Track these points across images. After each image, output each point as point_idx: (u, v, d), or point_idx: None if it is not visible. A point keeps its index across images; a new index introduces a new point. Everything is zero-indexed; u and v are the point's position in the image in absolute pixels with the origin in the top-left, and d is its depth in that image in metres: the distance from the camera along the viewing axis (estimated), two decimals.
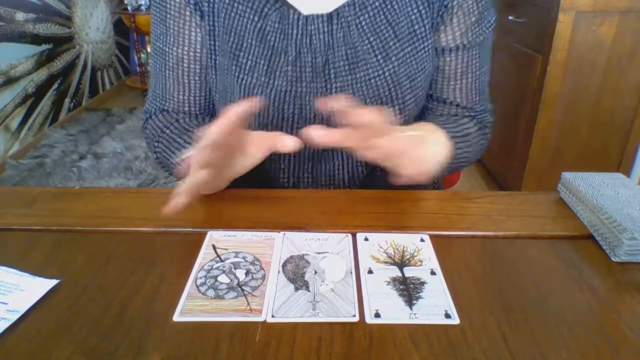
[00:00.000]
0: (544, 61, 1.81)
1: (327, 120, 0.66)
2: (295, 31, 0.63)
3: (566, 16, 1.71)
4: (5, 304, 0.41)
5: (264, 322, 0.39)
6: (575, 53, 1.77)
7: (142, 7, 3.57)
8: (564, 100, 1.85)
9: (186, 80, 0.70)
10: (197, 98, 0.71)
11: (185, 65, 0.69)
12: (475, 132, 0.72)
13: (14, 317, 0.39)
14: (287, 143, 0.51)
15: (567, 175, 0.58)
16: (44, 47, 3.02)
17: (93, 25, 3.70)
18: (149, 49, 3.99)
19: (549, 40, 1.76)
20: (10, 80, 2.68)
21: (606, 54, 1.77)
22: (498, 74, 2.11)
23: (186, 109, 0.72)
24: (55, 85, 3.16)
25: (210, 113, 0.74)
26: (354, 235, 0.50)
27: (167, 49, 0.68)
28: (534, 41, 1.89)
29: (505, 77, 2.10)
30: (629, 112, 1.87)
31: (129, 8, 3.59)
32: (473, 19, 0.66)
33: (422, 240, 0.50)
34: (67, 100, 3.32)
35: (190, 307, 0.40)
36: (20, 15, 2.77)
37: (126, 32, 4.20)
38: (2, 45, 2.61)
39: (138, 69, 3.84)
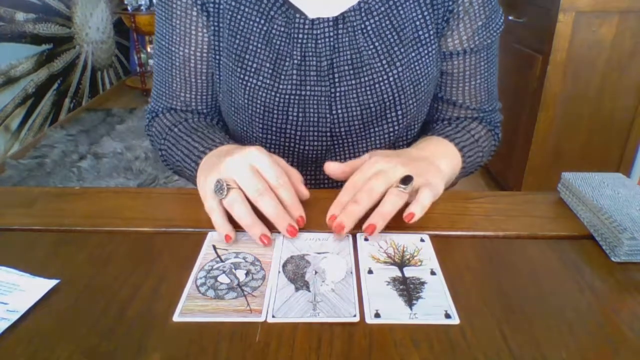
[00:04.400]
0: (544, 61, 1.81)
1: (332, 125, 0.66)
2: (301, 35, 0.63)
3: (566, 16, 1.71)
4: (5, 304, 0.41)
5: (264, 323, 0.39)
6: (575, 53, 1.77)
7: (142, 7, 3.57)
8: (564, 100, 1.85)
9: (193, 80, 0.70)
10: (204, 97, 0.71)
11: (192, 64, 0.68)
12: (485, 135, 0.72)
13: (14, 317, 0.39)
14: (300, 194, 0.54)
15: (567, 176, 0.58)
16: (44, 47, 3.02)
17: (93, 25, 3.70)
18: (149, 49, 3.99)
19: (549, 40, 1.76)
20: (10, 80, 2.68)
21: (606, 54, 1.77)
22: (498, 74, 2.09)
23: (193, 107, 0.72)
24: (55, 86, 3.16)
25: (218, 113, 0.74)
26: (354, 236, 0.50)
27: (173, 49, 0.68)
28: (534, 41, 1.89)
29: (505, 77, 2.09)
30: (629, 112, 1.87)
31: (129, 8, 3.59)
32: (480, 23, 0.66)
33: (422, 240, 0.50)
34: (67, 100, 3.32)
35: (190, 307, 0.40)
36: (20, 15, 2.77)
37: (126, 32, 4.20)
38: (2, 45, 2.61)
39: (138, 69, 3.84)
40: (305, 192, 0.54)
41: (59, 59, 3.21)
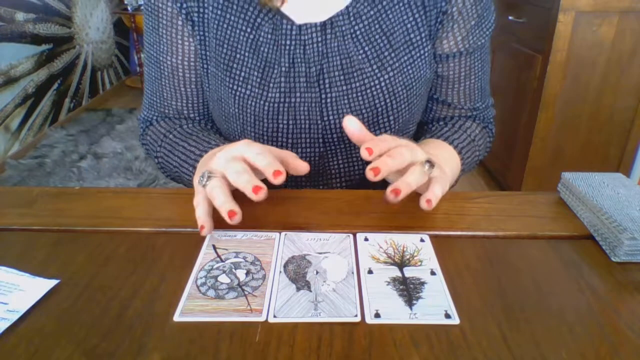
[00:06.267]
0: (544, 61, 1.81)
1: (324, 131, 0.66)
2: (288, 41, 0.62)
3: (566, 16, 1.71)
4: (5, 304, 0.41)
5: (264, 322, 0.39)
6: (575, 53, 1.77)
7: (142, 7, 3.57)
8: (564, 100, 1.85)
9: (182, 89, 0.69)
10: (195, 105, 0.71)
11: (181, 74, 0.68)
12: (480, 133, 0.72)
13: (14, 317, 0.39)
14: (299, 169, 0.51)
15: (567, 175, 0.58)
16: (44, 47, 3.02)
17: (93, 25, 3.70)
18: None
19: (549, 40, 1.76)
20: (10, 80, 2.68)
21: (606, 54, 1.78)
22: (498, 74, 2.11)
23: (185, 114, 0.72)
24: (55, 86, 3.16)
25: (210, 119, 0.74)
26: (354, 236, 0.50)
27: (161, 58, 0.68)
28: (534, 41, 1.90)
29: (505, 77, 2.10)
30: (629, 112, 1.88)
31: (129, 8, 3.60)
32: (472, 22, 0.66)
33: (422, 240, 0.50)
34: (67, 100, 3.32)
35: (191, 307, 0.40)
36: (20, 15, 2.77)
37: (126, 32, 4.21)
38: (2, 45, 2.61)
39: (138, 69, 3.84)
40: (303, 165, 0.51)
41: (59, 59, 3.21)
